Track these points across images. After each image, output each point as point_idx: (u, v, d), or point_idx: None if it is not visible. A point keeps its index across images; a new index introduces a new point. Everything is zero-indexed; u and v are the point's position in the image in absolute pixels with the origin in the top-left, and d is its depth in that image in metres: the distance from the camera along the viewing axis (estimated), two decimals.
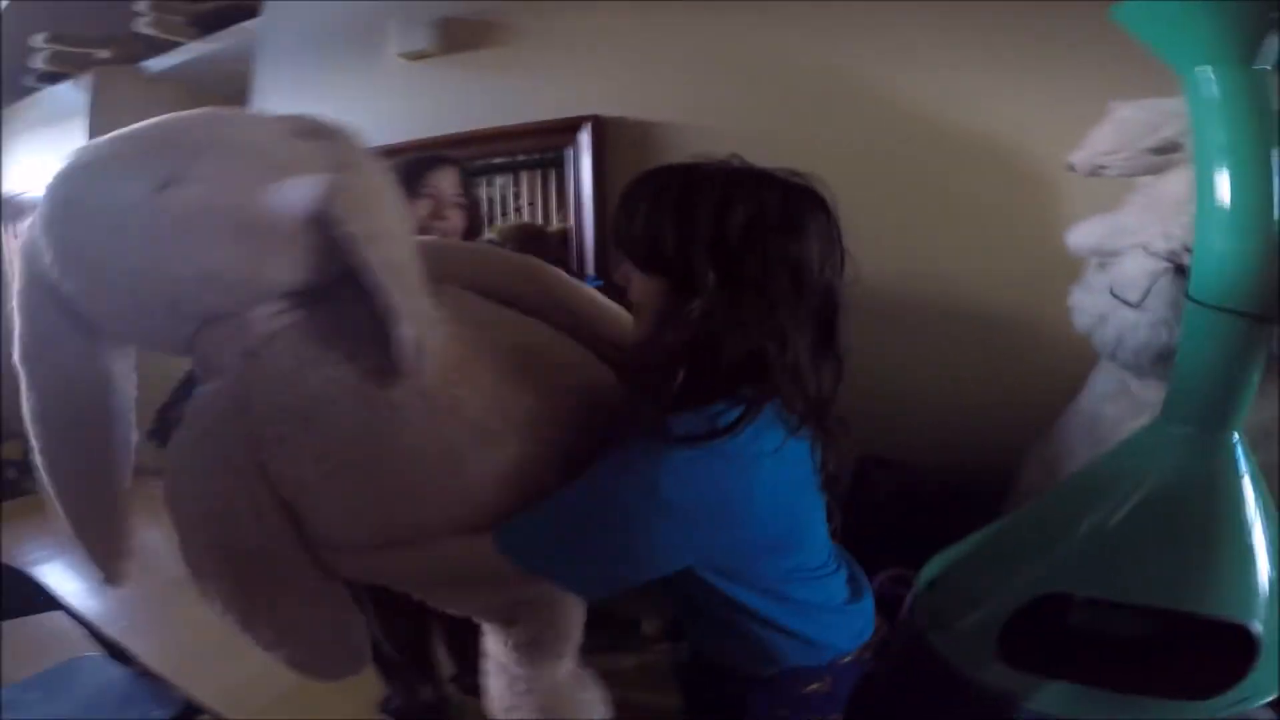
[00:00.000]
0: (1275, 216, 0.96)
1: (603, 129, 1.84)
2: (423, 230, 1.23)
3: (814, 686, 0.77)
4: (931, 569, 1.22)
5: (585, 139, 1.85)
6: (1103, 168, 1.23)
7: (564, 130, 1.89)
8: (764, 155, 1.65)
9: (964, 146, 1.64)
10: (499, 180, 2.10)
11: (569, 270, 1.64)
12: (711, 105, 1.74)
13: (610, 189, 1.82)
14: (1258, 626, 0.97)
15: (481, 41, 2.00)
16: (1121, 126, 1.18)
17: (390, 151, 1.94)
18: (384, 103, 2.16)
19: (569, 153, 1.91)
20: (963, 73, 1.62)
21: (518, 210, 2.09)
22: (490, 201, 2.08)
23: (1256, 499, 1.01)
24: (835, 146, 1.63)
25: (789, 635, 0.74)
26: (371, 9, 2.14)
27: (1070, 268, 1.42)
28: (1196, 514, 1.01)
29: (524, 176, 2.07)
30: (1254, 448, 1.02)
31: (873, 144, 1.68)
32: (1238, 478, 1.00)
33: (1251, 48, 0.90)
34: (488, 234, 1.72)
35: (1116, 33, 1.02)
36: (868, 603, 0.82)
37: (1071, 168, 1.29)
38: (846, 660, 0.79)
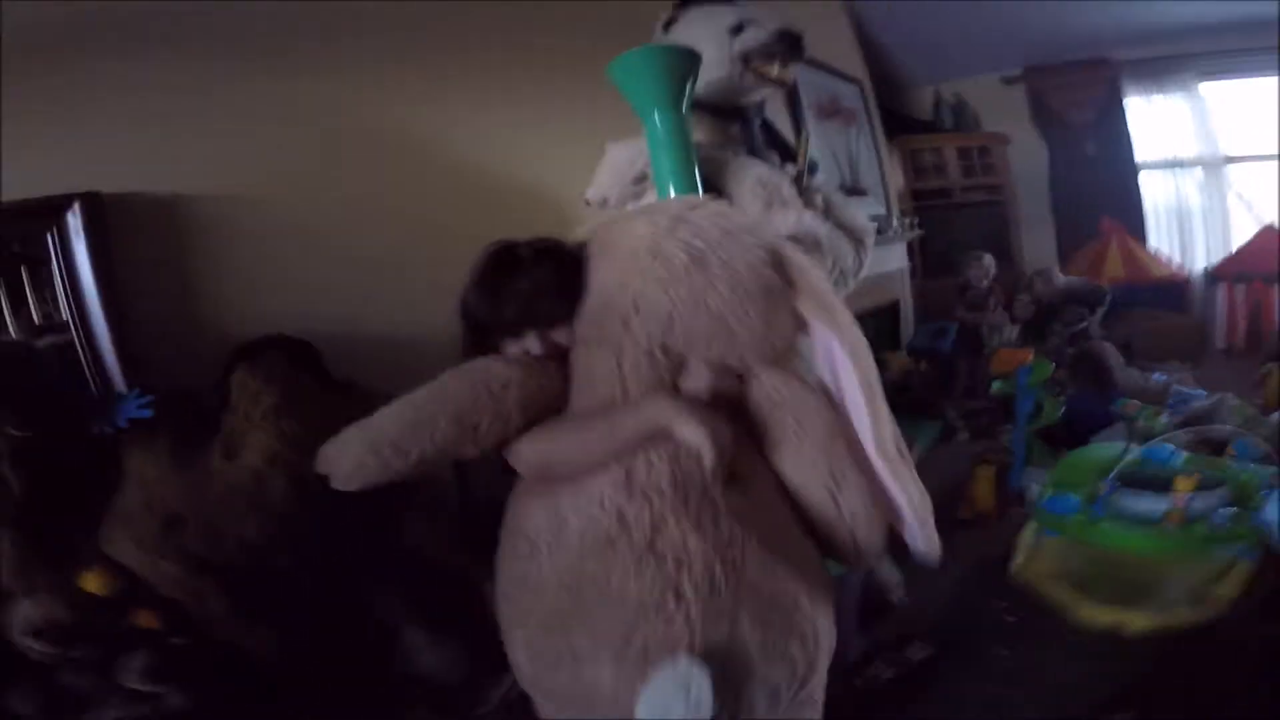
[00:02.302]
0: None
1: (100, 208, 1.43)
2: None
3: None
4: None
5: (75, 222, 1.42)
6: (606, 200, 1.60)
7: (40, 213, 1.42)
8: (306, 213, 1.70)
9: (503, 191, 1.91)
10: None
11: (79, 388, 1.35)
12: (248, 171, 1.57)
13: (125, 279, 1.44)
14: None
15: None
16: (613, 165, 1.56)
17: None
18: None
19: (50, 241, 1.43)
20: (504, 123, 1.93)
21: None
22: None
23: None
24: (380, 201, 1.75)
25: None
26: None
27: None
28: None
29: None
30: None
31: (418, 195, 1.82)
32: None
33: (680, 96, 1.32)
34: None
35: None
36: None
37: (587, 202, 1.65)
38: None
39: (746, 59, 1.44)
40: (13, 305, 1.45)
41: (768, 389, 0.85)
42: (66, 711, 1.04)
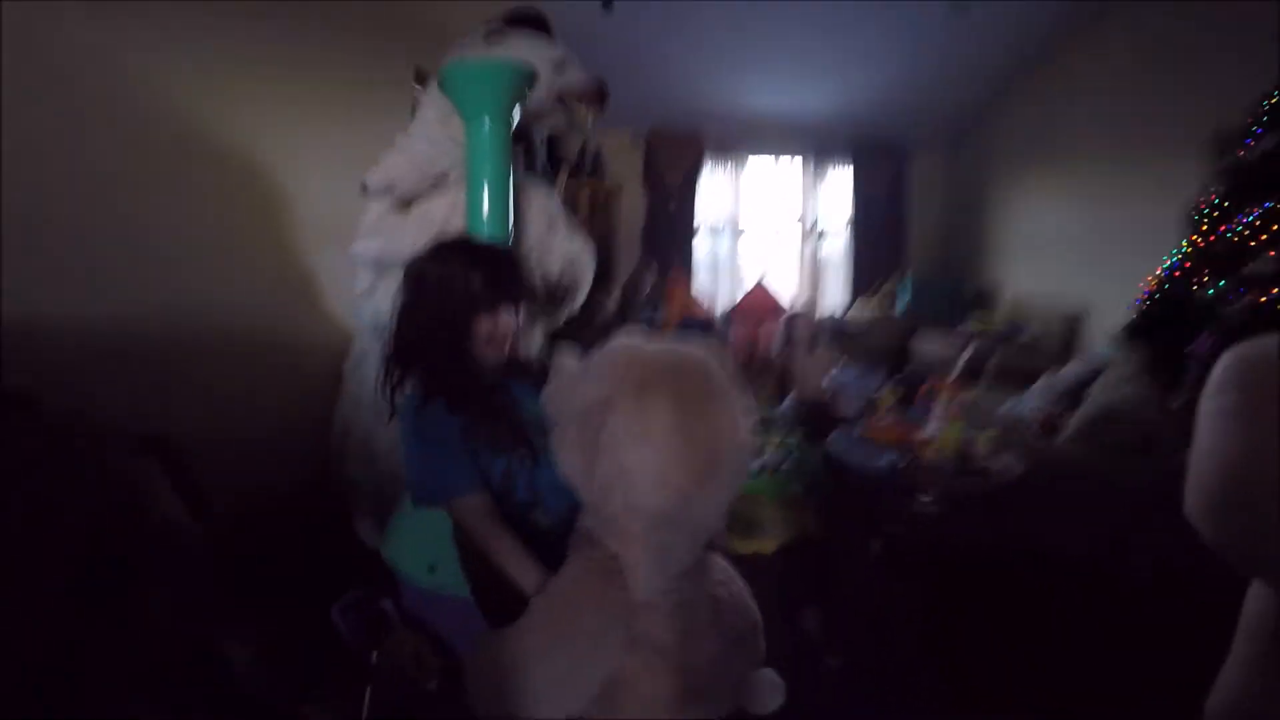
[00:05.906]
0: (509, 227, 1.55)
1: None
2: None
3: None
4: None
5: None
6: (394, 189, 1.57)
7: None
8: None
9: (224, 166, 1.69)
10: None
11: None
12: None
13: None
14: None
15: None
16: (412, 156, 1.55)
17: None
18: None
19: None
20: (241, 98, 1.68)
21: None
22: None
23: None
24: (96, 159, 1.41)
25: None
26: None
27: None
28: None
29: None
30: None
31: (136, 160, 1.49)
32: None
33: (511, 109, 1.46)
34: None
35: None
36: None
37: (365, 187, 1.57)
38: None
39: (562, 96, 1.63)
40: None
41: None
42: None
